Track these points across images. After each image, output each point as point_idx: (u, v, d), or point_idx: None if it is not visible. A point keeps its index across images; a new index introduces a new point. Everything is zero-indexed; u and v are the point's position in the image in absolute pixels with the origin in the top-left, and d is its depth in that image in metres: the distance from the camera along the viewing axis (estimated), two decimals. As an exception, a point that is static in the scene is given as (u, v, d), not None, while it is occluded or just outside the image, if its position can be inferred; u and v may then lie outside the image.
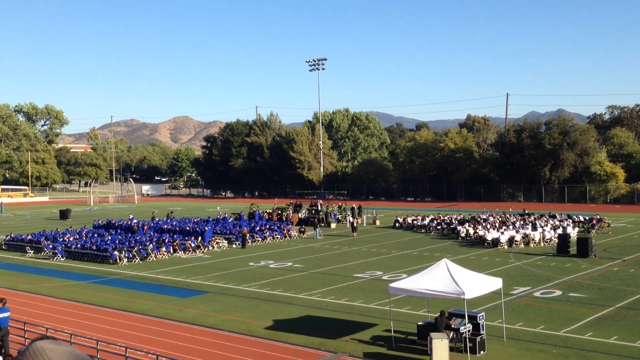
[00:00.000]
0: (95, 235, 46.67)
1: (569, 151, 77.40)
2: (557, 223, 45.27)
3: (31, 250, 42.33)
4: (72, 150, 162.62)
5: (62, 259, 39.46)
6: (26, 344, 17.31)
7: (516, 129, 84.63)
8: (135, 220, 53.82)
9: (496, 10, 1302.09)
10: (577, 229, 44.36)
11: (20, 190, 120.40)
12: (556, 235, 39.29)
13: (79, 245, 40.93)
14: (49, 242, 42.70)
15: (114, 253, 37.36)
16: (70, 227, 51.09)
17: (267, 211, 60.56)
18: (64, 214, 70.13)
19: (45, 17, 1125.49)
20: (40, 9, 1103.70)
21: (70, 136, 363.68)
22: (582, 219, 48.63)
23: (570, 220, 47.07)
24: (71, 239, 44.03)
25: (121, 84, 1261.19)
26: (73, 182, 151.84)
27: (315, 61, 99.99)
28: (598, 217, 47.84)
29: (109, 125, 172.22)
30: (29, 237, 45.02)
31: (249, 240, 44.03)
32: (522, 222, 45.69)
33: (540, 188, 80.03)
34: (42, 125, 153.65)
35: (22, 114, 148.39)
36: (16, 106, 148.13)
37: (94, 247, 39.53)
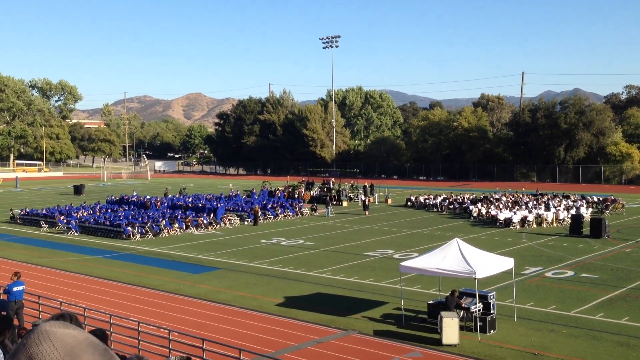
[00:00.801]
0: (109, 210, 47.03)
1: (585, 131, 76.64)
2: (571, 203, 45.00)
3: (46, 224, 42.79)
4: (85, 126, 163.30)
5: (76, 234, 39.86)
6: (41, 317, 17.54)
7: (531, 108, 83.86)
8: (138, 197, 54.58)
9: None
10: (590, 210, 44.06)
11: (35, 165, 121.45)
12: (569, 215, 39.07)
13: (92, 221, 41.28)
14: (63, 216, 43.10)
15: (127, 228, 37.66)
16: (84, 203, 51.51)
17: (279, 188, 60.66)
18: (77, 189, 70.68)
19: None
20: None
21: (84, 112, 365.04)
22: (595, 199, 48.27)
23: (584, 201, 46.76)
24: (85, 214, 44.40)
25: (134, 60, 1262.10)
26: (86, 156, 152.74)
27: (329, 38, 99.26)
28: (612, 197, 47.49)
29: (122, 102, 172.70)
30: (44, 211, 45.46)
31: (261, 218, 44.18)
32: (534, 202, 45.45)
33: (555, 168, 79.45)
34: (56, 101, 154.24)
35: (36, 90, 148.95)
36: (30, 81, 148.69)
37: (107, 223, 39.86)
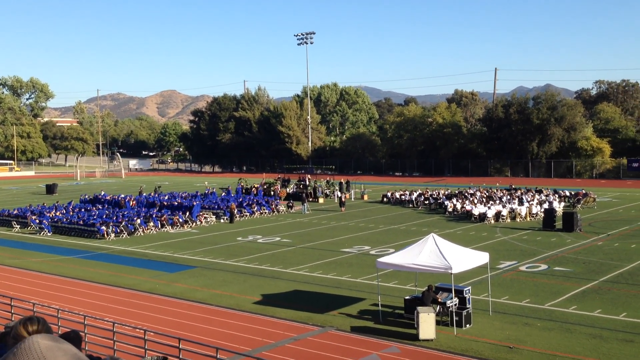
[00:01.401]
0: (83, 210, 46.43)
1: (556, 126, 77.70)
2: (544, 198, 45.61)
3: (17, 225, 42.10)
4: (58, 124, 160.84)
5: (49, 234, 39.29)
6: (13, 319, 17.26)
7: (504, 104, 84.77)
8: (105, 196, 54.12)
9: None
10: (562, 204, 44.71)
11: (6, 164, 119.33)
12: (542, 209, 39.61)
13: (65, 220, 40.73)
14: (35, 216, 42.45)
15: (102, 228, 37.23)
16: (57, 202, 50.78)
17: (255, 186, 60.49)
18: (50, 189, 69.64)
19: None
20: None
21: (56, 110, 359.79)
22: (568, 193, 49.01)
23: (557, 195, 47.43)
24: (58, 213, 43.78)
25: (107, 57, 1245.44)
26: (59, 154, 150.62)
27: (303, 35, 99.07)
28: (584, 191, 48.26)
29: (95, 99, 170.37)
30: (15, 211, 44.71)
31: (237, 215, 44.02)
32: (508, 197, 45.98)
33: (528, 163, 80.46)
34: (27, 99, 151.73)
35: (6, 88, 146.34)
36: (0, 79, 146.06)
37: (81, 222, 39.36)
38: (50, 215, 42.78)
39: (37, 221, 41.14)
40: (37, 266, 29.11)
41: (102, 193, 56.77)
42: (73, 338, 5.13)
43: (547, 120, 77.64)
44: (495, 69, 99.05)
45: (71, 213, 44.10)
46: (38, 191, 73.14)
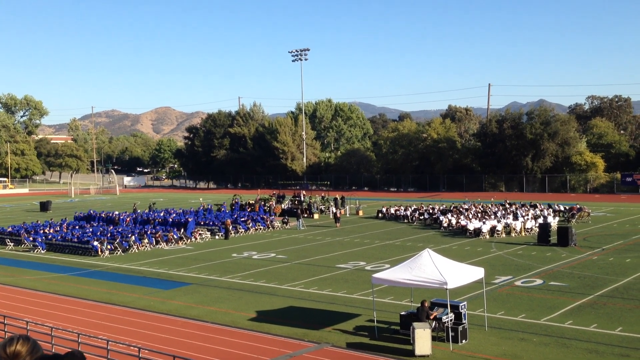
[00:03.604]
0: (77, 227, 46.26)
1: (550, 141, 78.06)
2: (538, 212, 45.71)
3: (11, 242, 41.86)
4: (52, 141, 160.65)
5: (42, 251, 39.09)
6: (6, 337, 17.16)
7: (498, 119, 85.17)
8: (96, 212, 54.07)
9: (477, 2, 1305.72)
10: (557, 219, 44.80)
11: (0, 182, 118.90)
12: (537, 224, 39.67)
13: (59, 238, 40.55)
14: (29, 234, 42.25)
15: (96, 245, 37.07)
16: (51, 219, 50.58)
17: (250, 202, 60.41)
18: (44, 206, 69.41)
19: (23, 5, 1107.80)
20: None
21: (51, 127, 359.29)
22: (562, 208, 49.12)
23: (551, 210, 47.55)
24: (52, 231, 43.59)
25: (102, 74, 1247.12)
26: (53, 171, 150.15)
27: (298, 51, 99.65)
28: (578, 206, 48.38)
29: (89, 116, 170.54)
30: (9, 229, 44.49)
31: (232, 231, 43.93)
32: (503, 212, 46.06)
33: (522, 178, 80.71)
34: (22, 116, 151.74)
35: (0, 105, 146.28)
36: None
37: (75, 239, 39.19)
38: (44, 233, 42.59)
39: (31, 239, 40.94)
40: (30, 284, 28.93)
41: (92, 211, 56.25)
42: (78, 358, 5.08)
43: (541, 135, 78.02)
44: (489, 84, 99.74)
45: (65, 230, 43.92)
46: (32, 208, 72.87)
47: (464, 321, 18.60)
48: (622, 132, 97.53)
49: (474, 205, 51.03)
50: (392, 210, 52.29)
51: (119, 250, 37.40)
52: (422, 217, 48.68)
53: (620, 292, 23.84)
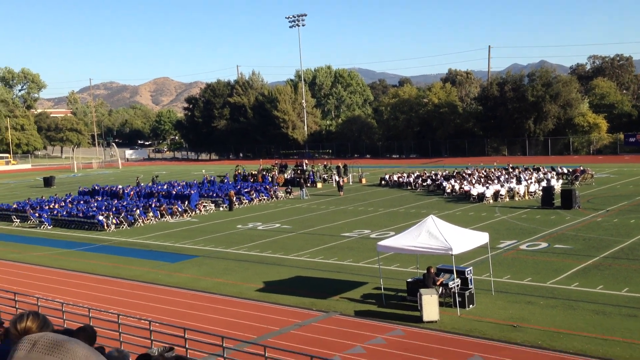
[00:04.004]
0: (81, 202, 46.39)
1: (552, 103, 77.59)
2: (541, 176, 45.67)
3: (17, 219, 42.06)
4: (51, 115, 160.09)
5: (49, 227, 39.28)
6: (18, 312, 17.33)
7: (499, 82, 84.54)
8: (99, 186, 54.34)
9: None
10: (560, 181, 44.79)
11: (2, 158, 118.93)
12: (540, 188, 39.68)
13: (65, 213, 40.70)
14: (34, 210, 42.40)
15: (101, 219, 37.22)
16: (56, 195, 50.71)
17: (252, 172, 60.41)
18: (48, 182, 69.49)
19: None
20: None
21: (49, 101, 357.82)
22: (565, 170, 49.07)
23: (554, 173, 47.50)
24: (57, 206, 43.73)
25: (99, 46, 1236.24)
26: (54, 146, 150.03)
27: (295, 17, 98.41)
28: (581, 168, 48.31)
29: (88, 89, 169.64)
30: (14, 205, 44.64)
31: (236, 203, 44.02)
32: (506, 176, 46.03)
33: (524, 141, 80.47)
34: (20, 90, 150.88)
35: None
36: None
37: (81, 214, 39.34)
38: (49, 208, 42.74)
39: (37, 215, 41.10)
40: (38, 260, 29.14)
41: (97, 185, 56.49)
42: (90, 334, 5.14)
43: (543, 97, 77.51)
44: (489, 46, 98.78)
45: (70, 205, 44.05)
46: (36, 184, 73.00)
47: (470, 286, 18.73)
48: (624, 91, 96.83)
49: (477, 170, 50.99)
50: (395, 177, 52.28)
51: (124, 225, 37.56)
52: (425, 184, 48.70)
53: (625, 252, 23.95)
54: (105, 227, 36.73)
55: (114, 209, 40.71)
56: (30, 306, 18.01)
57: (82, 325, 8.82)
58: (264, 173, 59.25)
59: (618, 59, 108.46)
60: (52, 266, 27.59)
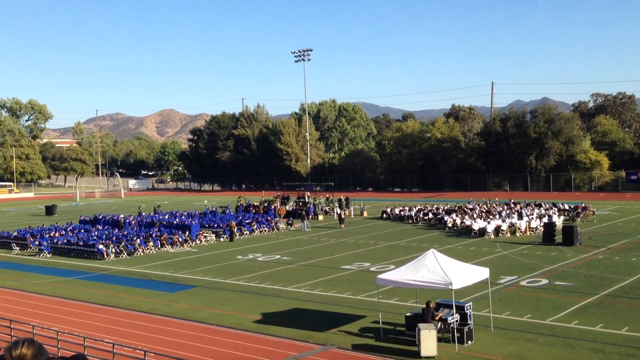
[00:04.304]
0: (82, 230, 46.38)
1: (554, 139, 77.87)
2: (543, 212, 45.60)
3: (17, 246, 41.99)
4: (57, 145, 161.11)
5: (48, 255, 39.20)
6: (13, 339, 17.22)
7: (501, 118, 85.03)
8: (96, 216, 54.34)
9: (480, 0, 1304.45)
10: (562, 218, 44.68)
11: (5, 186, 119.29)
12: (542, 224, 39.57)
13: (65, 241, 40.66)
14: (34, 238, 42.38)
15: (101, 248, 37.16)
16: (57, 223, 50.73)
17: (254, 203, 60.46)
18: (49, 210, 69.62)
19: (27, 9, 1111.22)
20: (20, 1, 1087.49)
21: (55, 131, 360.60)
22: (567, 207, 48.99)
23: (556, 209, 47.43)
24: (57, 234, 43.72)
25: (106, 78, 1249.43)
26: (58, 175, 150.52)
27: (301, 52, 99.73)
28: (583, 205, 48.26)
29: (94, 119, 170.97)
30: (15, 233, 44.64)
31: (237, 234, 43.96)
32: (508, 211, 45.96)
33: (526, 177, 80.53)
34: (26, 120, 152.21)
35: (5, 109, 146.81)
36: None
37: (81, 243, 39.30)
38: (50, 237, 42.71)
39: (37, 243, 41.06)
40: (36, 288, 29.01)
41: (99, 214, 56.63)
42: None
43: (545, 134, 77.84)
44: (492, 83, 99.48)
45: (70, 234, 44.03)
46: (37, 212, 73.10)
47: (469, 322, 18.57)
48: (626, 129, 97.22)
49: (479, 205, 50.96)
50: (397, 211, 52.25)
51: (124, 254, 37.47)
52: (426, 218, 48.64)
53: (626, 291, 23.76)
54: (105, 256, 36.64)
55: (114, 238, 40.67)
56: (25, 334, 17.91)
57: (75, 353, 8.77)
58: (266, 204, 59.28)
59: (620, 97, 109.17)
60: (50, 294, 27.47)
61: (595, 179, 77.64)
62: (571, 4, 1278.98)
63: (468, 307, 18.98)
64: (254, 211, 57.25)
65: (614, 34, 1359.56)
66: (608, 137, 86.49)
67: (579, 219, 44.79)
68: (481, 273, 19.85)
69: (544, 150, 78.48)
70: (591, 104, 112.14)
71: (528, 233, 39.94)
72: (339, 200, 59.73)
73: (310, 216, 53.25)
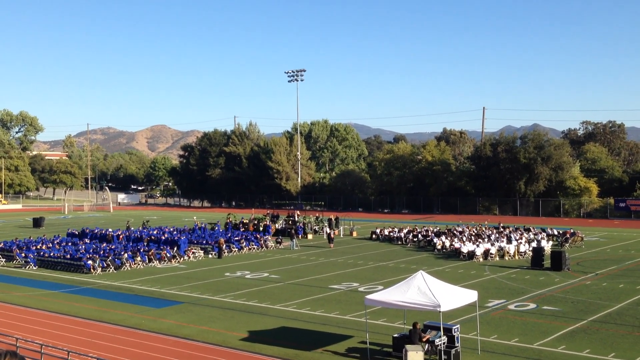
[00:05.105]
0: (69, 244, 46.02)
1: (544, 165, 78.41)
2: (532, 236, 45.76)
3: (3, 258, 41.59)
4: (46, 157, 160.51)
5: (34, 268, 38.83)
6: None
7: (492, 142, 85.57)
8: (92, 230, 53.87)
9: (473, 25, 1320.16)
10: (551, 243, 44.86)
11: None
12: (530, 248, 39.69)
13: (51, 254, 40.31)
14: (21, 250, 42.00)
15: (88, 262, 36.87)
16: (44, 235, 50.31)
17: (244, 221, 60.30)
18: (37, 222, 69.09)
19: (19, 21, 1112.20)
20: (13, 13, 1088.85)
21: (46, 143, 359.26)
22: (556, 232, 49.20)
23: (545, 234, 47.61)
24: (44, 247, 43.34)
25: (98, 92, 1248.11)
26: (47, 187, 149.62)
27: (294, 72, 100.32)
28: (572, 231, 48.47)
29: (85, 133, 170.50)
30: (1, 245, 44.21)
31: (225, 250, 43.77)
32: (497, 235, 46.10)
33: (516, 201, 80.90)
34: (17, 132, 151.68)
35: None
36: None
37: (68, 256, 38.98)
38: (36, 249, 42.34)
39: (23, 255, 40.69)
40: (21, 300, 28.69)
41: (87, 228, 56.26)
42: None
43: (535, 160, 78.38)
44: (484, 108, 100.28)
45: (57, 247, 43.68)
46: (25, 224, 72.50)
47: (456, 344, 18.54)
48: (615, 157, 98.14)
49: (468, 228, 51.09)
50: (386, 232, 52.26)
51: (111, 268, 37.19)
52: (415, 239, 48.67)
53: (613, 317, 23.82)
54: (92, 270, 36.34)
55: (101, 252, 40.37)
56: (9, 346, 17.67)
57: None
58: (256, 222, 59.15)
59: (610, 125, 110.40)
60: (35, 307, 27.17)
61: (584, 205, 78.11)
62: (564, 32, 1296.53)
63: (456, 330, 18.96)
64: (243, 229, 57.07)
65: (605, 63, 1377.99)
66: (597, 164, 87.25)
67: (567, 245, 44.97)
68: (469, 296, 19.86)
69: (534, 176, 78.98)
70: (581, 132, 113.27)
71: (517, 257, 40.03)
72: (329, 219, 59.70)
73: (300, 235, 53.18)
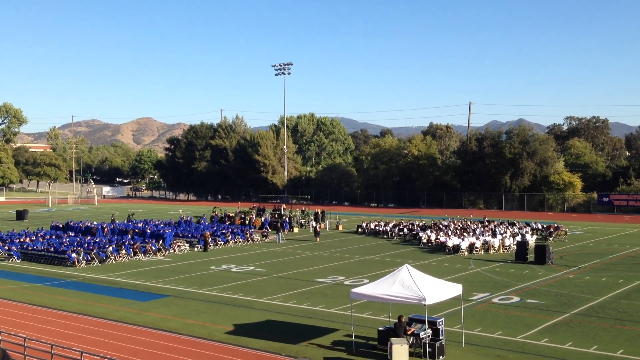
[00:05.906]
0: (53, 236, 45.68)
1: (529, 160, 78.94)
2: (516, 230, 46.10)
3: (-15, 251, 41.16)
4: (30, 149, 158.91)
5: (17, 261, 38.51)
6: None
7: (478, 137, 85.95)
8: (77, 223, 53.43)
9: (460, 20, 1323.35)
10: (535, 237, 45.21)
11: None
12: (515, 242, 39.99)
13: (35, 247, 39.99)
14: (4, 243, 41.61)
15: (72, 255, 36.62)
16: (27, 228, 49.89)
17: (230, 214, 60.18)
18: (20, 215, 68.50)
19: (2, 13, 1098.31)
20: None
21: (30, 135, 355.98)
22: (540, 226, 49.61)
23: (529, 228, 47.98)
24: (27, 240, 42.97)
25: (83, 83, 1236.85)
26: (31, 180, 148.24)
27: (281, 65, 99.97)
28: (555, 225, 48.88)
29: (69, 125, 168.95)
30: (-17, 237, 43.76)
31: (211, 244, 43.67)
32: (482, 229, 46.39)
33: (501, 196, 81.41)
34: (0, 124, 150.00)
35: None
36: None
37: (52, 249, 38.68)
38: (20, 242, 41.97)
39: (6, 247, 40.33)
40: (4, 294, 28.45)
41: (71, 221, 55.88)
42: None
43: (520, 154, 78.87)
44: (470, 102, 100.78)
45: (41, 240, 43.33)
46: (8, 217, 71.83)
47: (441, 337, 18.65)
48: (599, 152, 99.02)
49: (453, 222, 51.35)
50: (372, 226, 52.39)
51: (95, 261, 36.97)
52: (401, 233, 48.84)
53: (595, 310, 24.08)
54: (76, 263, 36.11)
55: (86, 245, 40.11)
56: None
57: None
58: (242, 215, 59.07)
59: (594, 120, 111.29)
60: (18, 300, 26.95)
61: (568, 199, 78.78)
62: (550, 28, 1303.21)
63: (440, 323, 19.07)
64: (229, 222, 56.96)
65: (590, 59, 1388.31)
66: (581, 159, 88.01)
67: (551, 239, 45.36)
68: (454, 289, 19.96)
69: (519, 170, 79.51)
70: (565, 127, 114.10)
71: (501, 251, 40.32)
72: (315, 213, 59.74)
73: (286, 229, 53.17)
